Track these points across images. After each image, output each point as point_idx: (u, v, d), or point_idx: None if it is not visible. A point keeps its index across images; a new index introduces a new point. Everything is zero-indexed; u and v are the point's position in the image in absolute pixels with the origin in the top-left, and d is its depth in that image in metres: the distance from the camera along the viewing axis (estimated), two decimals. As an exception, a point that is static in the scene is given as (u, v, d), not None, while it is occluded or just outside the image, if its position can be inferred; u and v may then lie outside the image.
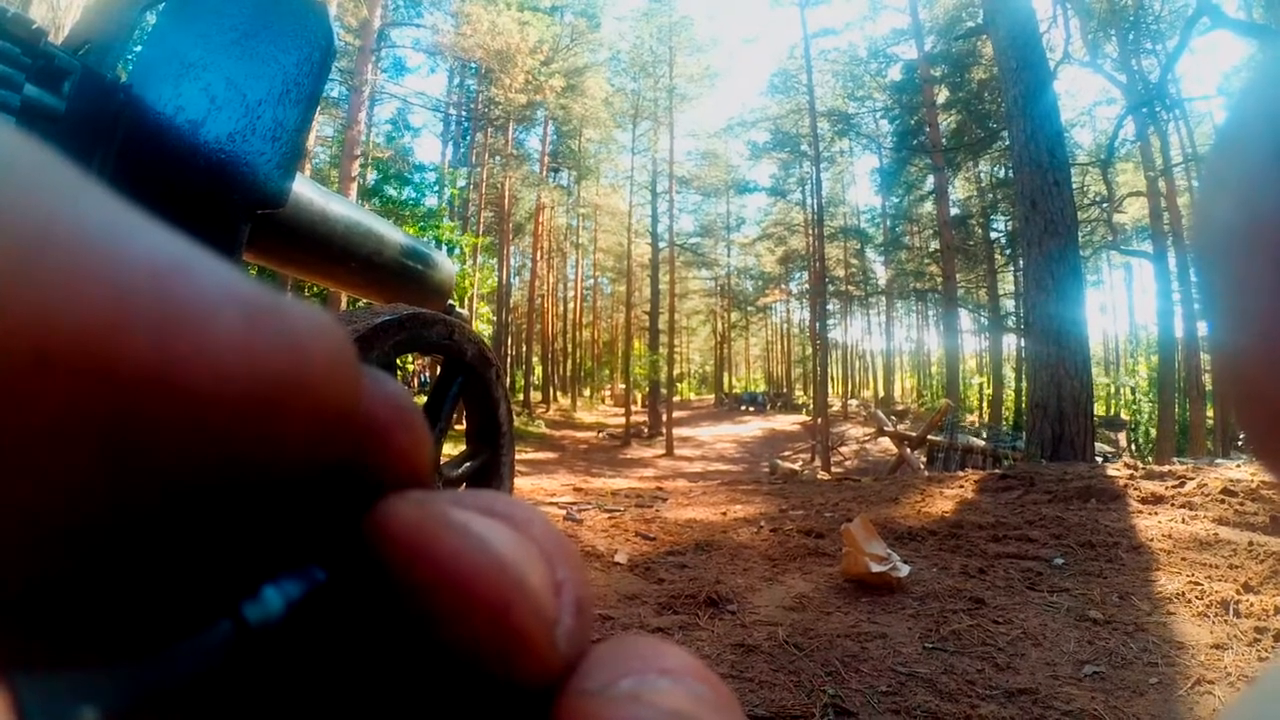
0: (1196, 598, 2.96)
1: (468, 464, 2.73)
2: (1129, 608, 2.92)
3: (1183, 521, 4.14)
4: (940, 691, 2.24)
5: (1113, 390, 30.84)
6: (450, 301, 3.28)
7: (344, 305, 16.75)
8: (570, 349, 37.71)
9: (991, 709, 2.12)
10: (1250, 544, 3.61)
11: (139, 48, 1.88)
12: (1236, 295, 0.14)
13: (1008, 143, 11.75)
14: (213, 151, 1.73)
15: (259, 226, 2.06)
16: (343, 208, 2.55)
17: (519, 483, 7.74)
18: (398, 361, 2.53)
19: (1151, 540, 3.84)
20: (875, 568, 3.21)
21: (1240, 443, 16.65)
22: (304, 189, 2.30)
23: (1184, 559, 3.55)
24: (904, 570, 3.28)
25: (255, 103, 1.73)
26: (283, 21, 1.77)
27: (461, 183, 27.22)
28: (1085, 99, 27.49)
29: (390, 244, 2.74)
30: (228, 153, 1.73)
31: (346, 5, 19.87)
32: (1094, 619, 2.80)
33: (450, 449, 3.03)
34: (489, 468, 2.79)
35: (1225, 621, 2.74)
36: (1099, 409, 23.18)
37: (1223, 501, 4.47)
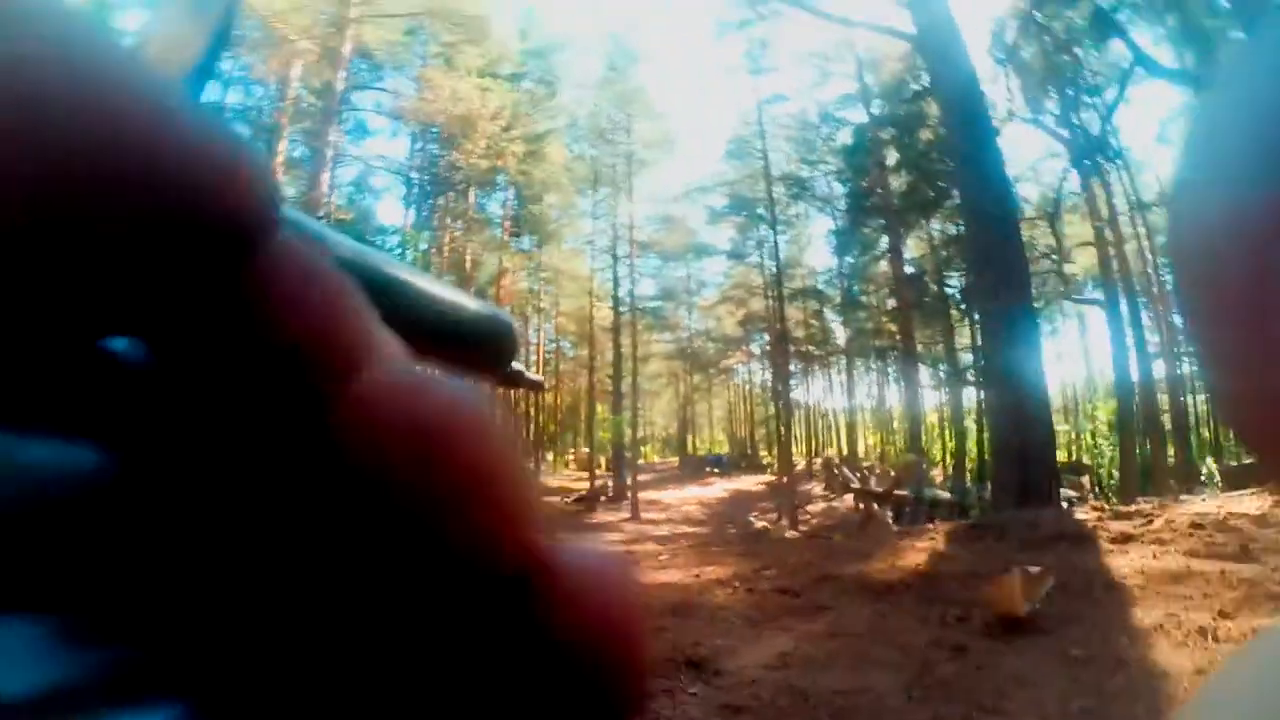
0: (1175, 628, 2.97)
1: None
2: (1110, 643, 2.91)
3: (1154, 557, 4.18)
4: (931, 738, 2.20)
5: (1073, 436, 31.32)
6: (516, 365, 2.83)
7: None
8: (534, 413, 37.45)
9: (984, 753, 2.08)
10: (1222, 573, 3.65)
11: None
12: (1220, 313, 0.14)
13: (958, 200, 12.07)
14: None
15: None
16: (395, 269, 2.24)
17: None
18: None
19: (1125, 578, 3.87)
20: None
21: (1203, 479, 16.95)
22: (327, 237, 2.08)
23: (1159, 593, 3.57)
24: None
25: None
26: None
27: (424, 246, 27.20)
28: (1030, 153, 28.49)
29: (421, 296, 2.23)
30: None
31: (310, 67, 20.07)
32: (1076, 657, 2.79)
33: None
34: None
35: (1205, 648, 2.74)
36: (1061, 455, 23.47)
37: (1192, 535, 4.52)
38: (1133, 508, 6.06)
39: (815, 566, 5.33)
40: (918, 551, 5.49)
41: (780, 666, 3.05)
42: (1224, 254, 0.14)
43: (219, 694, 0.11)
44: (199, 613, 0.11)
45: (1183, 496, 8.43)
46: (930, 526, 7.31)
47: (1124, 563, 4.16)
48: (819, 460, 30.59)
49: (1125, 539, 4.77)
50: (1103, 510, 6.00)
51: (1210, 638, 2.82)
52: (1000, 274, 9.04)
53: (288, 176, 21.69)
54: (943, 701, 2.48)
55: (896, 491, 13.92)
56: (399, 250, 24.91)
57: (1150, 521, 5.05)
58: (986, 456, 13.35)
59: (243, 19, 18.85)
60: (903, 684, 2.70)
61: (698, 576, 5.56)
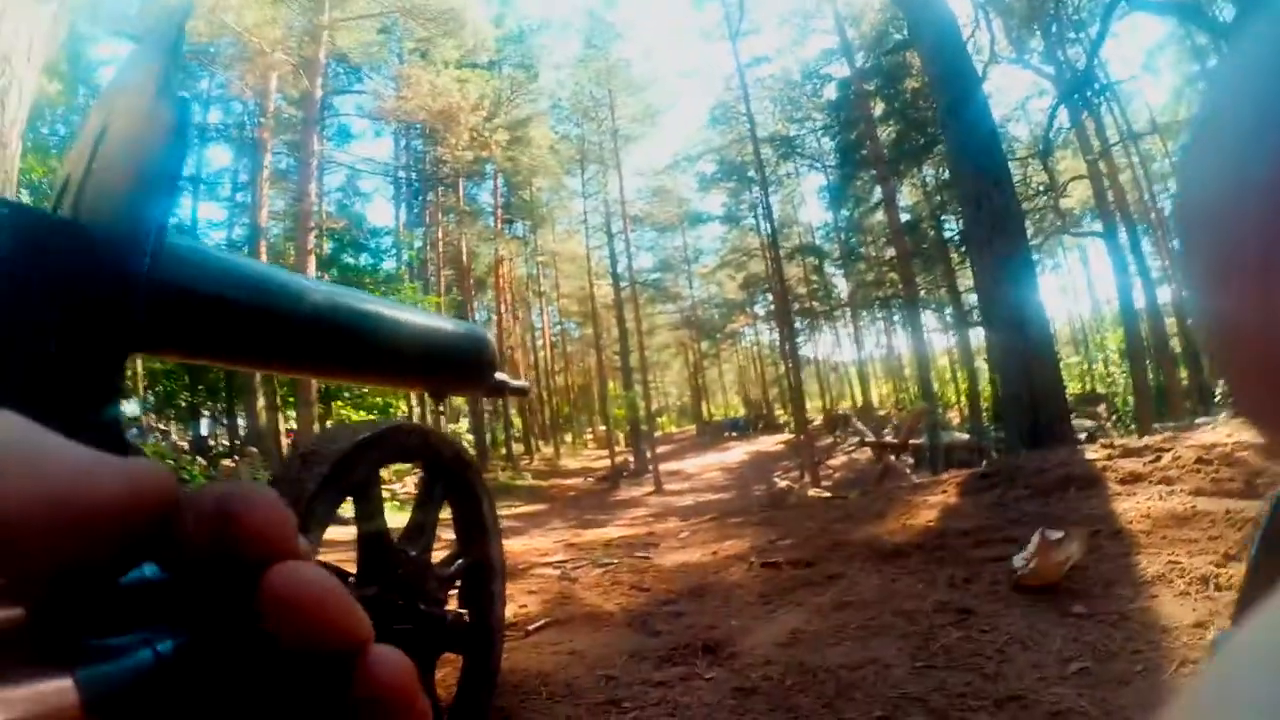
0: (1177, 577, 2.99)
1: (459, 561, 2.67)
2: (1112, 597, 2.94)
3: (1160, 498, 4.18)
4: (932, 709, 2.24)
5: (1086, 366, 31.24)
6: (500, 375, 2.66)
7: (315, 426, 16.64)
8: (547, 397, 37.58)
9: (984, 721, 2.12)
10: (1227, 512, 3.65)
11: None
12: (1225, 262, 0.14)
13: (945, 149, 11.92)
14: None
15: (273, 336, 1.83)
16: (351, 300, 2.20)
17: (512, 543, 7.64)
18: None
19: (1131, 523, 3.88)
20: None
21: (1217, 399, 16.89)
22: (310, 290, 2.01)
23: (1164, 537, 3.59)
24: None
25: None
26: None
27: (418, 243, 27.23)
28: (1017, 93, 28.08)
29: (403, 327, 2.23)
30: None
31: (287, 78, 19.99)
32: (1078, 614, 2.82)
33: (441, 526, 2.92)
34: (480, 562, 2.73)
35: (1206, 598, 2.77)
36: (1075, 387, 23.41)
37: (1198, 471, 4.51)
38: (1143, 442, 6.04)
39: (828, 533, 5.37)
40: (929, 507, 5.51)
41: (791, 644, 3.09)
42: (1232, 225, 0.14)
43: None
44: None
45: (1198, 420, 8.42)
46: (945, 476, 7.33)
47: (1130, 506, 4.17)
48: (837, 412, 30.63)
49: (1134, 479, 4.77)
50: (1113, 447, 5.99)
51: (1212, 586, 2.83)
52: (993, 219, 8.94)
53: (275, 190, 21.68)
54: (946, 670, 2.51)
55: (912, 441, 13.94)
56: (393, 251, 24.89)
57: (1158, 458, 5.03)
58: (1000, 395, 13.37)
59: (217, 38, 18.80)
60: (909, 653, 2.74)
61: (715, 553, 5.62)
